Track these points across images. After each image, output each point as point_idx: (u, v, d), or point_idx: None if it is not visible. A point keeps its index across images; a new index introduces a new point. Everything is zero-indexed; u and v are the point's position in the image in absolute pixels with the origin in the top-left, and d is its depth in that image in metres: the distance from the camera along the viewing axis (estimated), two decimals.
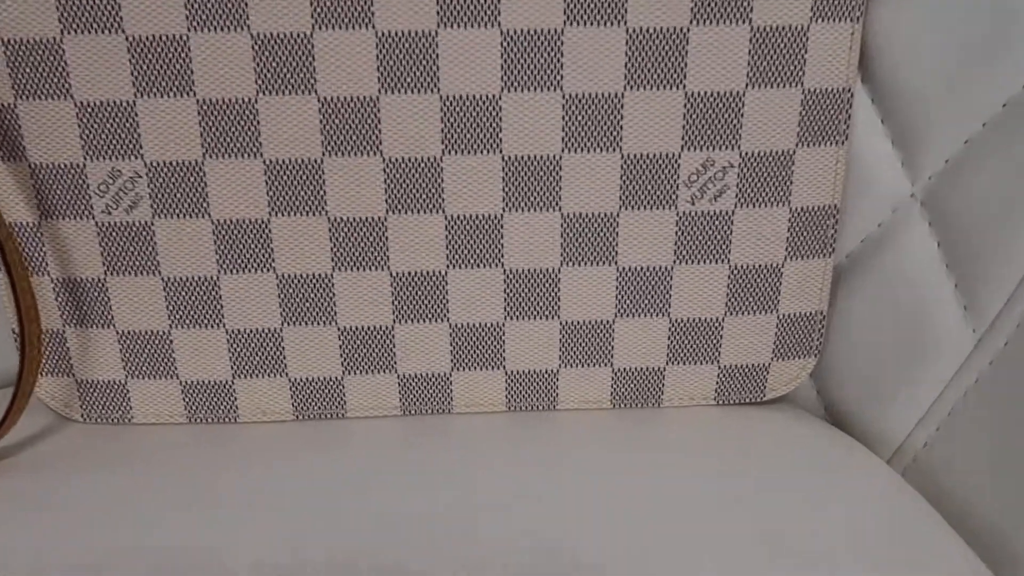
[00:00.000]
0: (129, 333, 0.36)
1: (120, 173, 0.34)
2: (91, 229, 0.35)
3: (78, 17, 0.31)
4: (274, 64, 0.32)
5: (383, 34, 0.32)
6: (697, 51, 0.33)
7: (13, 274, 0.33)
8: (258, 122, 0.33)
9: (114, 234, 0.35)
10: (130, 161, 0.34)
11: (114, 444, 0.37)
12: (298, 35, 0.32)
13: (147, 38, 0.32)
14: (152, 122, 0.33)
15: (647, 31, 0.33)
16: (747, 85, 0.33)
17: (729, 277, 0.36)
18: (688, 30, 0.33)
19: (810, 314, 0.37)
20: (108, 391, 0.37)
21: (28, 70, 0.32)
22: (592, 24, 0.32)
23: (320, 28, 0.32)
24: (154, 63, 0.32)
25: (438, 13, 0.32)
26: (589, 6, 0.32)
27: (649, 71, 0.33)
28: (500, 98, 0.34)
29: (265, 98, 0.33)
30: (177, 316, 0.36)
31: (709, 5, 0.32)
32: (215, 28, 0.32)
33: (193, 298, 0.36)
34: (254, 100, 0.33)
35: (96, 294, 0.36)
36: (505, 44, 0.33)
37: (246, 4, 0.31)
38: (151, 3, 0.31)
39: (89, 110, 0.33)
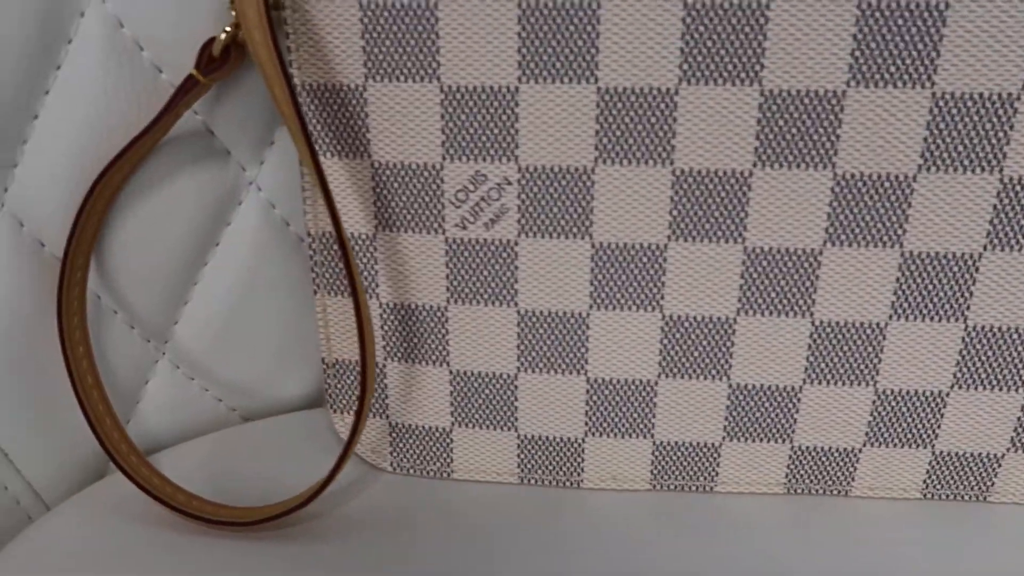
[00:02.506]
0: (465, 374, 0.30)
1: (484, 178, 0.27)
2: (439, 246, 0.28)
3: None
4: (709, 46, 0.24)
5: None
6: None
7: (357, 299, 0.27)
8: (675, 119, 0.25)
9: (466, 253, 0.28)
10: (499, 164, 0.27)
11: (431, 500, 0.30)
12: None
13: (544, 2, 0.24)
14: (536, 114, 0.26)
15: None
16: None
17: None
18: None
19: None
20: (429, 439, 0.31)
21: (387, 46, 0.25)
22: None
23: None
24: (546, 40, 0.25)
25: None
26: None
27: None
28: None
29: (688, 88, 0.25)
30: (529, 357, 0.29)
31: None
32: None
33: (554, 337, 0.28)
34: (674, 91, 0.25)
35: (432, 325, 0.29)
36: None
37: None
38: None
39: (457, 96, 0.26)
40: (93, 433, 0.30)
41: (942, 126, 0.23)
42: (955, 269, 0.25)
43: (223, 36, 0.26)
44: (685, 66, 0.24)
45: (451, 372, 0.29)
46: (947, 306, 0.26)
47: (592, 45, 0.24)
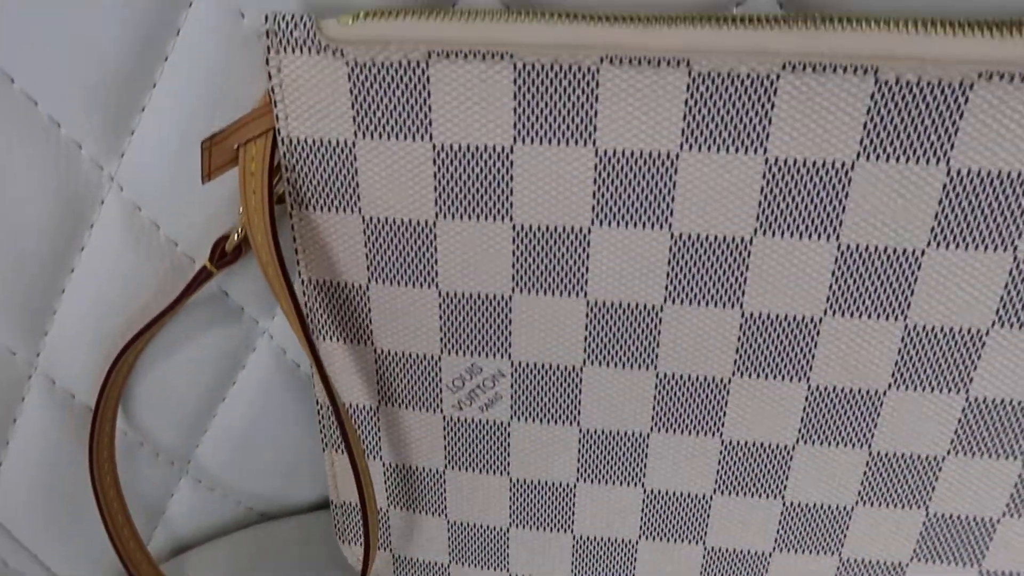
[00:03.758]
0: (462, 524, 0.32)
1: (480, 370, 0.28)
2: (437, 422, 0.29)
3: (456, 201, 0.25)
4: (690, 268, 0.25)
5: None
6: None
7: (358, 473, 0.28)
8: (659, 335, 0.26)
9: (463, 429, 0.29)
10: (494, 360, 0.28)
11: None
12: None
13: (536, 228, 0.25)
14: (527, 319, 0.27)
15: None
16: None
17: None
18: None
19: None
20: (429, 572, 0.33)
21: (387, 256, 0.27)
22: None
23: None
24: (543, 255, 0.26)
25: None
26: None
27: None
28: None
29: (673, 307, 0.26)
30: (520, 515, 0.31)
31: None
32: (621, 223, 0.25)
33: (544, 502, 0.30)
34: (659, 307, 0.26)
35: (432, 484, 0.31)
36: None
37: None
38: (539, 195, 0.25)
39: (454, 300, 0.27)
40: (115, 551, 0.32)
41: (955, 203, 0.23)
42: (961, 344, 0.25)
43: (235, 237, 0.27)
44: (670, 287, 0.25)
45: (448, 522, 0.31)
46: (949, 378, 0.26)
47: (583, 265, 0.25)
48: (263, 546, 0.37)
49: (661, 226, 0.25)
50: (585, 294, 0.26)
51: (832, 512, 0.29)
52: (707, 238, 0.25)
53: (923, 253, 0.24)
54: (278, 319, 0.32)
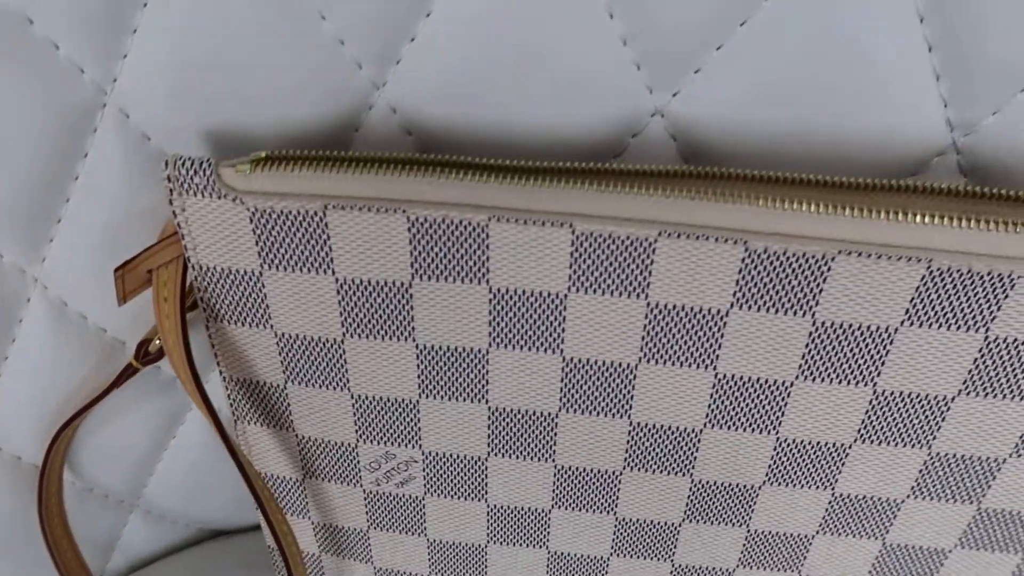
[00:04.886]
0: (387, 570, 0.35)
1: (394, 456, 0.30)
2: (358, 494, 0.32)
3: (362, 324, 0.26)
4: (582, 385, 0.27)
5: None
6: None
7: (276, 531, 0.31)
8: (555, 435, 0.28)
9: (382, 500, 0.32)
10: (406, 449, 0.30)
11: None
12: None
13: (438, 347, 0.27)
14: (434, 419, 0.29)
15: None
16: None
17: None
18: None
19: None
20: None
21: (302, 363, 0.28)
22: None
23: None
24: (446, 369, 0.27)
25: None
26: None
27: None
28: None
29: (567, 415, 0.28)
30: (440, 568, 0.34)
31: None
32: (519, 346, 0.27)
33: (458, 558, 0.33)
34: (555, 415, 0.28)
35: (357, 539, 0.34)
36: None
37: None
38: (440, 321, 0.26)
39: (367, 402, 0.29)
40: None
41: (820, 345, 0.25)
42: (827, 453, 0.28)
43: (157, 341, 0.28)
44: (564, 399, 0.27)
45: (375, 568, 0.34)
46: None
47: (483, 379, 0.27)
48: (218, 561, 0.40)
49: (553, 351, 0.26)
50: (487, 401, 0.28)
51: (793, 538, 0.32)
52: (596, 362, 0.26)
53: (792, 384, 0.26)
54: (212, 383, 0.34)
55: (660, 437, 0.28)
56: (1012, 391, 0.25)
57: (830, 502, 0.29)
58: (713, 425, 0.27)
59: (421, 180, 0.24)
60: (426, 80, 0.25)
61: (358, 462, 0.30)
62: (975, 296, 0.23)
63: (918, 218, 0.22)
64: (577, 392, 0.27)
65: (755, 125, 0.25)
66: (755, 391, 0.26)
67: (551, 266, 0.24)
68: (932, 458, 0.27)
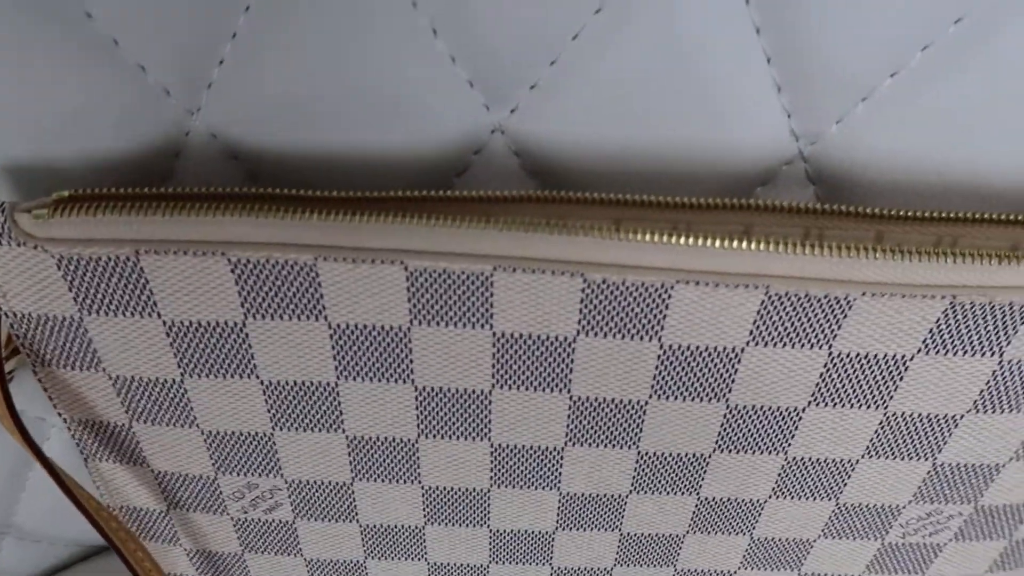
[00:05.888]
0: None
1: (256, 485, 0.29)
2: (227, 521, 0.31)
3: (199, 364, 0.25)
4: (437, 412, 0.26)
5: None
6: None
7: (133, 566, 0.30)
8: (418, 459, 0.28)
9: (252, 526, 0.31)
10: (268, 478, 0.29)
11: None
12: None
13: (284, 382, 0.25)
14: (293, 451, 0.28)
15: None
16: None
17: None
18: None
19: None
20: None
21: (144, 399, 0.26)
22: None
23: None
24: (297, 402, 0.26)
25: None
26: None
27: None
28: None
29: (427, 440, 0.27)
30: None
31: None
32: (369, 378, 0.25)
33: (340, 572, 0.33)
34: (415, 440, 0.27)
35: (234, 562, 0.33)
36: None
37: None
38: (280, 357, 0.25)
39: (218, 437, 0.27)
40: None
41: (669, 367, 0.25)
42: (688, 464, 0.28)
43: None
44: (422, 426, 0.26)
45: None
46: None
47: (336, 410, 0.26)
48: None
49: (404, 381, 0.25)
50: (343, 431, 0.27)
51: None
52: (448, 390, 0.25)
53: (647, 403, 0.26)
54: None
55: (521, 456, 0.28)
56: (859, 400, 0.25)
57: (697, 506, 0.29)
58: (575, 443, 0.27)
59: (239, 220, 0.22)
60: (244, 104, 0.23)
61: (220, 492, 0.29)
62: (815, 317, 0.22)
63: (753, 245, 0.21)
64: (434, 418, 0.26)
65: (600, 141, 0.24)
66: (612, 411, 0.26)
67: (389, 301, 0.23)
68: (790, 462, 0.27)
